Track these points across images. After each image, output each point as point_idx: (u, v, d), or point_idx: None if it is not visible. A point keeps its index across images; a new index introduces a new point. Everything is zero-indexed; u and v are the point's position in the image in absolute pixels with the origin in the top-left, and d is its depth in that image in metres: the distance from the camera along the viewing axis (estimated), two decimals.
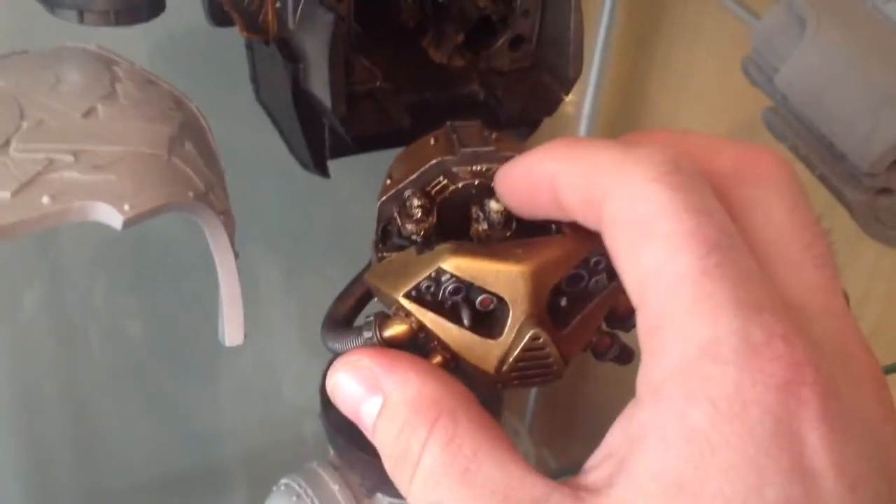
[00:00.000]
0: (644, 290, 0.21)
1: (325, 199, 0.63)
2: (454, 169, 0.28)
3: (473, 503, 0.21)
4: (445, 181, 0.27)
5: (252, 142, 0.51)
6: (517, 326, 0.25)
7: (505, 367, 0.25)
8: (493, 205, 0.26)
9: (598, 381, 0.83)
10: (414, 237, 0.27)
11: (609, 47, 0.67)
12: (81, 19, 0.38)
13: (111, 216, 0.28)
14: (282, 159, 0.47)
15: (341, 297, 0.30)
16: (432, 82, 0.43)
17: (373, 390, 0.24)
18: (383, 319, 0.26)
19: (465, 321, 0.25)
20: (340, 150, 0.43)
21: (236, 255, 0.33)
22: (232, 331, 0.34)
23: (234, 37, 0.42)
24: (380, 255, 0.28)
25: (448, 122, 0.29)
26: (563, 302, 0.26)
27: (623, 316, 0.28)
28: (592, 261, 0.26)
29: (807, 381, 0.19)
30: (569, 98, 0.45)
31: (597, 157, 0.22)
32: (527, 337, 0.25)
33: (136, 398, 0.72)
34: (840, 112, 0.42)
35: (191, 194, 0.30)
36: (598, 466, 0.21)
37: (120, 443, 0.73)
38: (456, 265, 0.25)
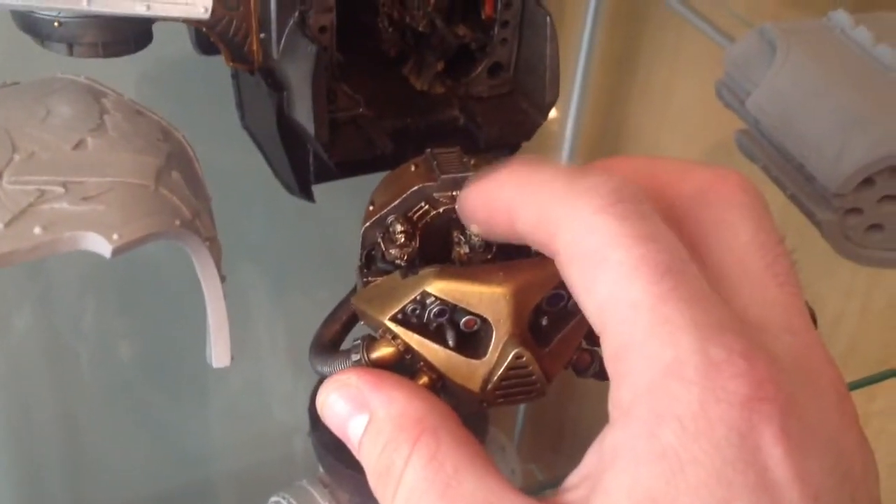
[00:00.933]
0: (604, 318, 0.21)
1: (311, 220, 0.64)
2: (435, 195, 0.28)
3: None
4: (427, 207, 0.28)
5: (238, 166, 0.52)
6: (501, 346, 0.26)
7: (489, 386, 0.26)
8: (473, 228, 0.27)
9: (584, 398, 0.84)
10: (398, 262, 0.28)
11: (590, 69, 0.68)
12: (71, 52, 0.39)
13: (100, 245, 0.28)
14: (267, 183, 0.48)
15: (327, 322, 0.31)
16: (413, 109, 0.44)
17: (360, 408, 0.24)
18: (370, 342, 0.26)
19: (450, 342, 0.26)
20: (324, 176, 0.44)
21: (223, 279, 0.34)
22: (219, 353, 0.35)
23: (220, 64, 0.43)
24: (365, 279, 0.28)
25: (428, 150, 0.30)
26: (545, 321, 0.27)
27: (581, 367, 0.29)
28: None
29: (768, 397, 0.19)
30: (552, 117, 0.46)
31: (547, 188, 0.23)
32: (510, 356, 0.25)
33: (126, 417, 0.73)
34: (809, 135, 0.44)
35: (177, 222, 0.31)
36: (575, 486, 0.21)
37: (110, 462, 0.73)
38: (440, 288, 0.26)
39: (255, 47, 0.41)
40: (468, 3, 0.44)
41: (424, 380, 0.26)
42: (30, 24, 0.38)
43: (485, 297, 0.26)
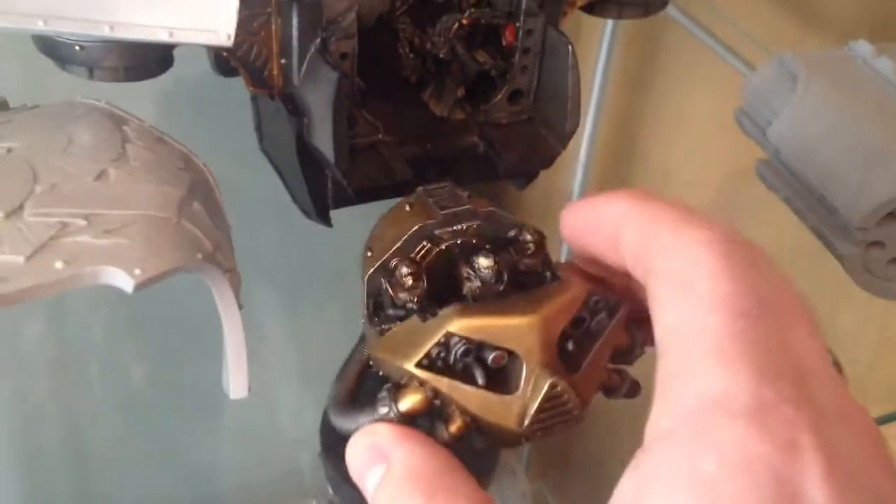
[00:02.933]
0: (669, 340, 0.22)
1: (324, 239, 0.64)
2: (436, 232, 0.28)
3: None
4: (429, 245, 0.28)
5: (256, 188, 0.52)
6: (533, 378, 0.25)
7: (527, 421, 0.25)
8: (482, 261, 0.27)
9: (593, 417, 0.83)
10: (409, 304, 0.27)
11: (605, 92, 0.68)
12: (91, 75, 0.38)
13: (122, 280, 0.28)
14: (284, 205, 0.47)
15: (340, 378, 0.30)
16: (433, 135, 0.44)
17: (380, 459, 0.24)
18: (397, 391, 0.25)
19: (480, 381, 0.25)
20: (343, 201, 0.44)
21: (240, 307, 0.34)
22: (237, 385, 0.34)
23: (240, 86, 0.43)
24: (378, 328, 0.28)
25: (419, 188, 0.30)
26: (570, 346, 0.26)
27: (625, 350, 0.28)
28: (592, 301, 0.27)
29: (810, 443, 0.20)
30: None
31: (662, 213, 0.24)
32: (545, 387, 0.25)
33: (134, 432, 0.73)
34: (831, 167, 0.43)
35: (199, 256, 0.30)
36: None
37: (118, 476, 0.73)
38: (464, 326, 0.25)
39: (275, 72, 0.41)
40: (489, 29, 0.44)
41: (458, 423, 0.25)
42: (51, 47, 0.38)
43: (511, 329, 0.25)
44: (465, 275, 0.27)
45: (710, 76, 0.64)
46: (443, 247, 0.28)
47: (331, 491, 0.55)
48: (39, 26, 0.36)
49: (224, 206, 0.37)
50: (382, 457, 0.24)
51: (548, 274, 0.27)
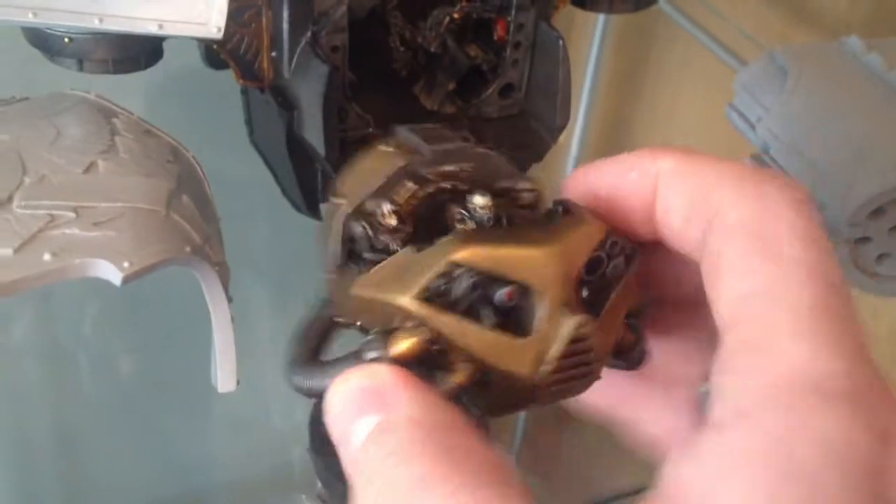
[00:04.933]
0: (745, 307, 0.20)
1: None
2: (424, 172, 0.24)
3: None
4: (415, 187, 0.23)
5: (246, 181, 0.52)
6: (554, 316, 0.21)
7: (544, 368, 0.21)
8: (477, 199, 0.23)
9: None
10: (392, 247, 0.23)
11: (597, 86, 0.68)
12: (81, 67, 0.38)
13: (111, 273, 0.28)
14: (274, 198, 0.47)
15: (302, 339, 0.25)
16: None
17: (375, 407, 0.20)
18: (388, 334, 0.21)
19: (489, 321, 0.21)
20: None
21: (229, 300, 0.34)
22: (225, 378, 0.34)
23: (230, 78, 0.43)
24: (360, 269, 0.23)
25: (398, 126, 0.26)
26: (585, 293, 0.23)
27: (635, 311, 0.24)
28: (609, 242, 0.23)
29: None
30: None
31: (720, 166, 0.21)
32: (571, 326, 0.21)
33: (124, 426, 0.72)
34: (820, 162, 0.43)
35: (188, 249, 0.30)
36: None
37: (107, 471, 0.73)
38: (471, 255, 0.21)
39: (265, 65, 0.41)
40: (480, 23, 0.44)
41: (462, 374, 0.21)
42: (41, 39, 0.38)
43: (527, 260, 0.21)
44: (458, 217, 0.23)
45: (702, 71, 0.64)
46: (431, 189, 0.23)
47: (320, 486, 0.55)
48: (29, 18, 0.36)
49: (213, 199, 0.37)
50: (380, 403, 0.20)
51: (559, 209, 0.23)
